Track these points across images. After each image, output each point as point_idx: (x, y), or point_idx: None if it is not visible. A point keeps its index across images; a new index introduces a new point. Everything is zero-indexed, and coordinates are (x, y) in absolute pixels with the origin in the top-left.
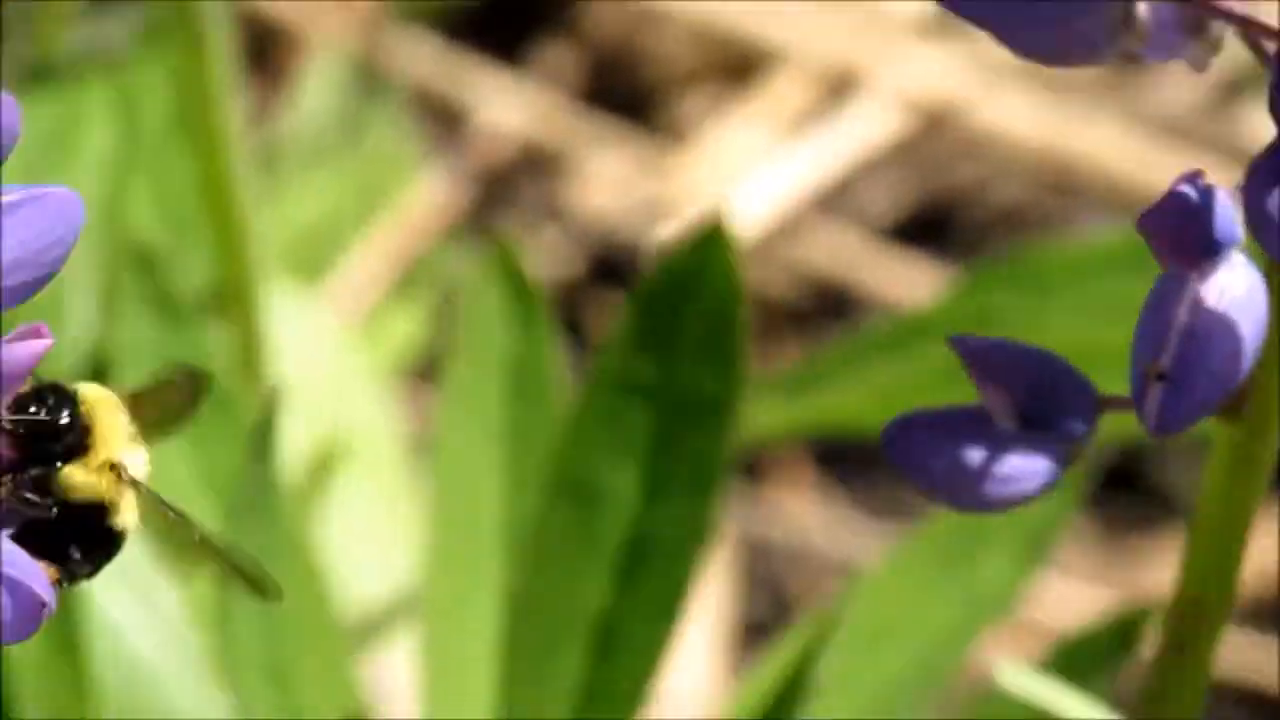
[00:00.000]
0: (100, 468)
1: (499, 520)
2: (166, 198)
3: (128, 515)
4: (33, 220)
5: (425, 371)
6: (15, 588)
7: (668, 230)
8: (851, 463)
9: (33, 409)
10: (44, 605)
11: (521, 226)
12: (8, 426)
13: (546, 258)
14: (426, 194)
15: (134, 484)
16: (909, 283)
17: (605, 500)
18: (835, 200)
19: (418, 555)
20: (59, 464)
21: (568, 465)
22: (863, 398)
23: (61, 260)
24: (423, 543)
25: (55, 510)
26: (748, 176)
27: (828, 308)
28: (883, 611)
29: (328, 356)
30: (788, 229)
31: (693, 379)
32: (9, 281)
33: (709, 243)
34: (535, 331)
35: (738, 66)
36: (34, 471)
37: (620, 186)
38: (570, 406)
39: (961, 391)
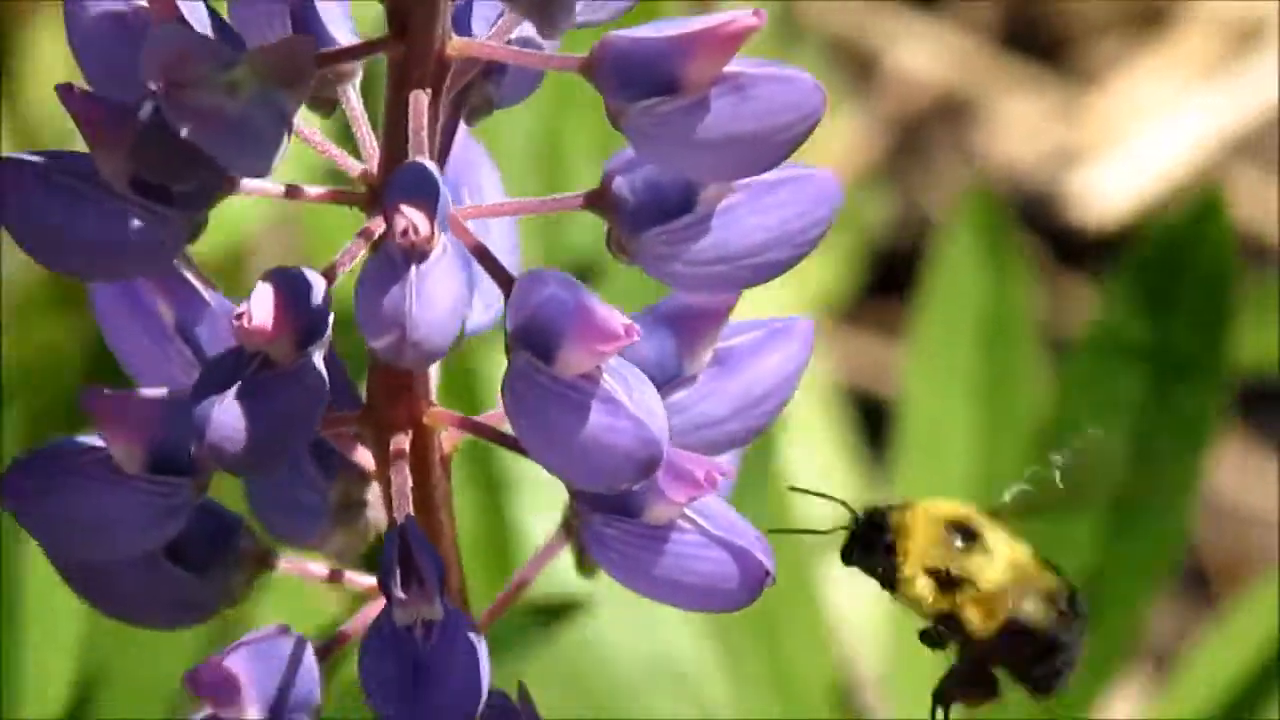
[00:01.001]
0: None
1: (968, 474)
2: None
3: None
4: (796, 199)
5: (846, 316)
6: (741, 555)
7: (1079, 177)
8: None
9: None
10: (767, 573)
11: (935, 172)
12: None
13: (955, 199)
14: (841, 139)
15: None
16: None
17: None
18: (1247, 148)
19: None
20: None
21: (1055, 420)
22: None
23: (817, 241)
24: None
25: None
26: (1159, 123)
27: (1244, 255)
28: None
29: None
30: (1200, 177)
31: (1187, 343)
32: (764, 259)
33: (1205, 210)
34: (1011, 283)
35: (1149, 15)
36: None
37: (1032, 133)
38: (1052, 350)
39: None
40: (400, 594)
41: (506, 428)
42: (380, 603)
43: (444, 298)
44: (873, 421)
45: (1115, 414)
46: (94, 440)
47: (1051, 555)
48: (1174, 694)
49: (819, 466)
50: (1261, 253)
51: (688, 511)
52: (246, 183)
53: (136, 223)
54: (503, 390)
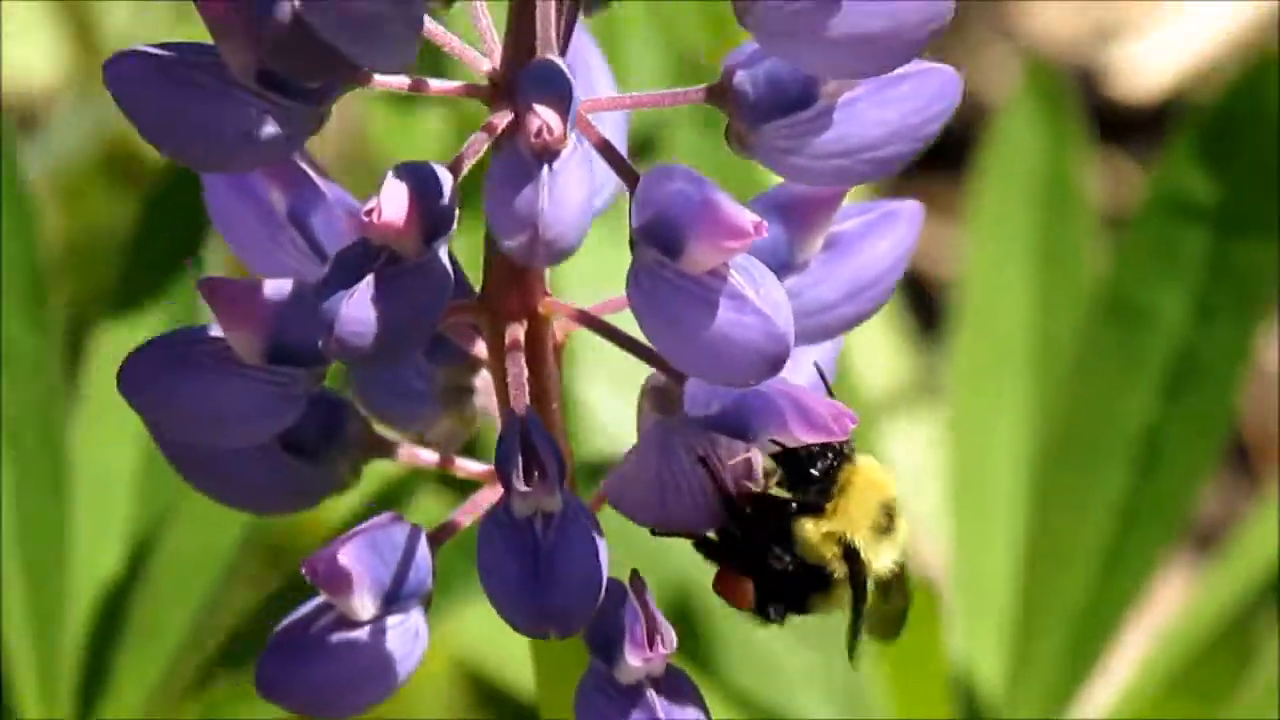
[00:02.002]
0: (828, 536)
1: (1028, 336)
2: None
3: (836, 591)
4: (916, 93)
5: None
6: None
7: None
8: None
9: (806, 451)
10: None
11: (976, 51)
12: (774, 448)
13: (995, 77)
14: None
15: (854, 566)
16: None
17: (1151, 319)
18: None
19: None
20: (795, 508)
21: (1112, 283)
22: None
23: (935, 135)
24: (949, 353)
25: (774, 544)
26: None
27: None
28: None
29: None
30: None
31: (1250, 202)
32: (884, 153)
33: (1263, 69)
34: (1068, 148)
35: None
36: (775, 497)
37: (1072, 9)
38: (1104, 220)
39: None
40: (521, 485)
41: (619, 319)
42: (490, 491)
43: (575, 196)
44: (924, 301)
45: (1174, 275)
46: (212, 329)
47: (1108, 414)
48: (1219, 571)
49: (874, 341)
50: None
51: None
52: (376, 77)
53: (262, 116)
54: (628, 286)
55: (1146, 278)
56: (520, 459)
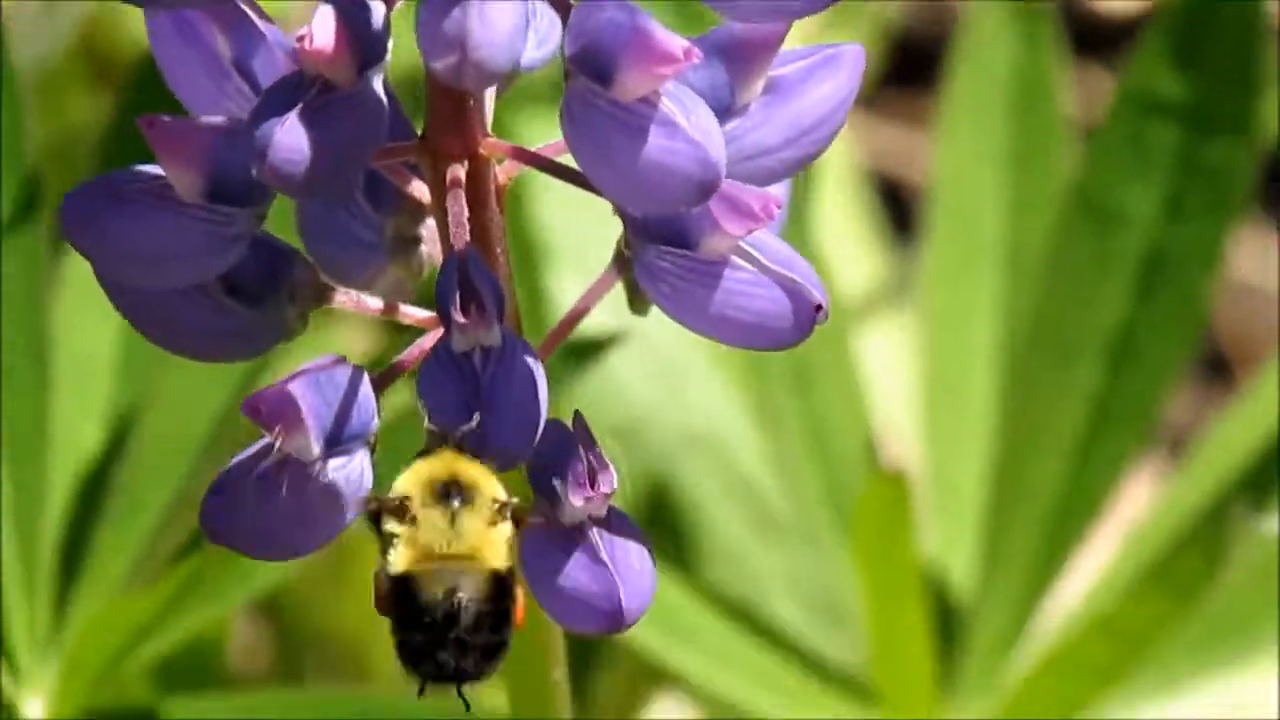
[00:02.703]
0: None
1: (1000, 236)
2: None
3: None
4: None
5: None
6: (795, 291)
7: None
8: None
9: None
10: (819, 309)
11: None
12: None
13: None
14: None
15: None
16: None
17: (1123, 218)
18: None
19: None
20: None
21: (1084, 183)
22: None
23: None
24: (922, 254)
25: None
26: None
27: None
28: None
29: None
30: None
31: (1219, 99)
32: None
33: None
34: (1040, 50)
35: None
36: None
37: None
38: (1079, 129)
39: None
40: (460, 318)
41: (561, 159)
42: (434, 334)
43: (504, 17)
44: (897, 208)
45: (1145, 174)
46: (153, 169)
47: (1081, 312)
48: (1188, 474)
49: (847, 244)
50: None
51: (743, 245)
52: None
53: None
54: (561, 115)
55: (1118, 177)
56: (458, 292)
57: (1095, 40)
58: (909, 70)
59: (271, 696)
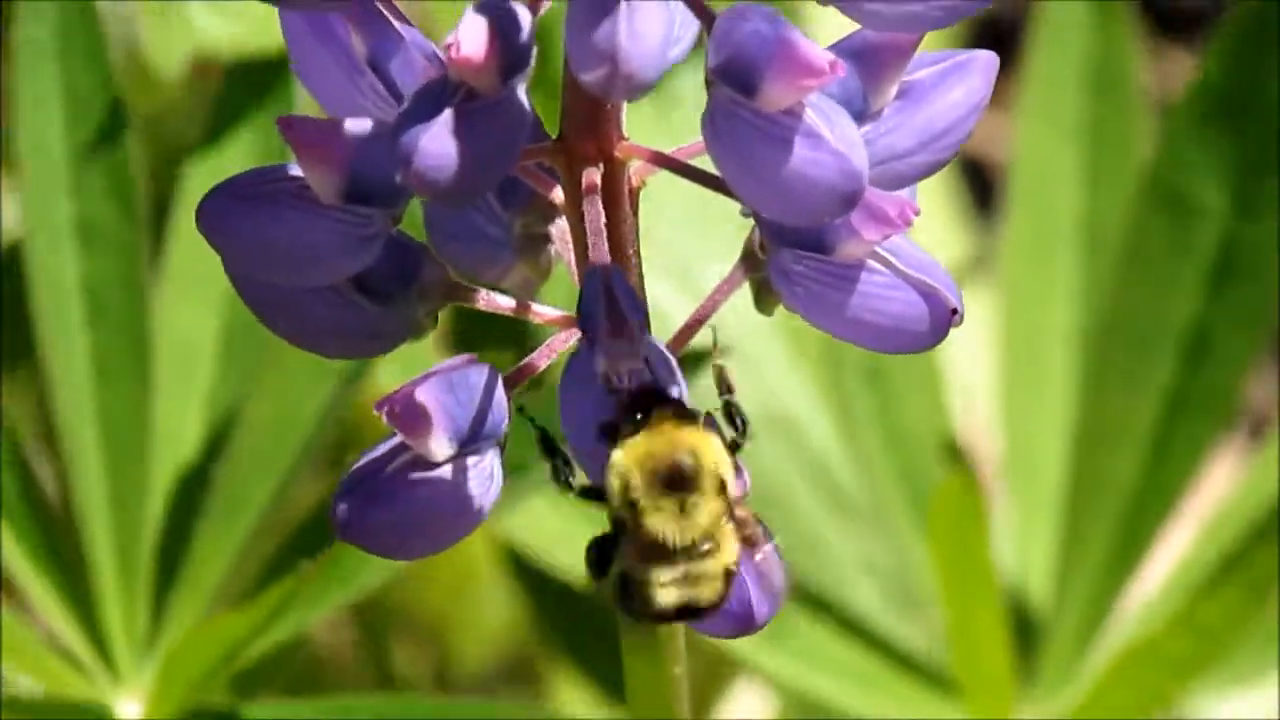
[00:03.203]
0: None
1: (1078, 215)
2: None
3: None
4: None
5: None
6: (931, 295)
7: None
8: None
9: None
10: (955, 313)
11: None
12: None
13: None
14: None
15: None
16: None
17: (1197, 210)
18: None
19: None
20: None
21: (1159, 173)
22: None
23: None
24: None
25: None
26: None
27: None
28: None
29: None
30: None
31: None
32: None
33: None
34: (1116, 31)
35: None
36: None
37: None
38: (1157, 112)
39: None
40: (606, 341)
41: (698, 161)
42: (566, 335)
43: (654, 30)
44: (979, 186)
45: (1218, 167)
46: (291, 168)
47: (1157, 302)
48: (1264, 461)
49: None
50: None
51: (879, 250)
52: None
53: None
54: (703, 125)
55: (1191, 168)
56: (605, 314)
57: (1175, 23)
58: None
59: (360, 700)
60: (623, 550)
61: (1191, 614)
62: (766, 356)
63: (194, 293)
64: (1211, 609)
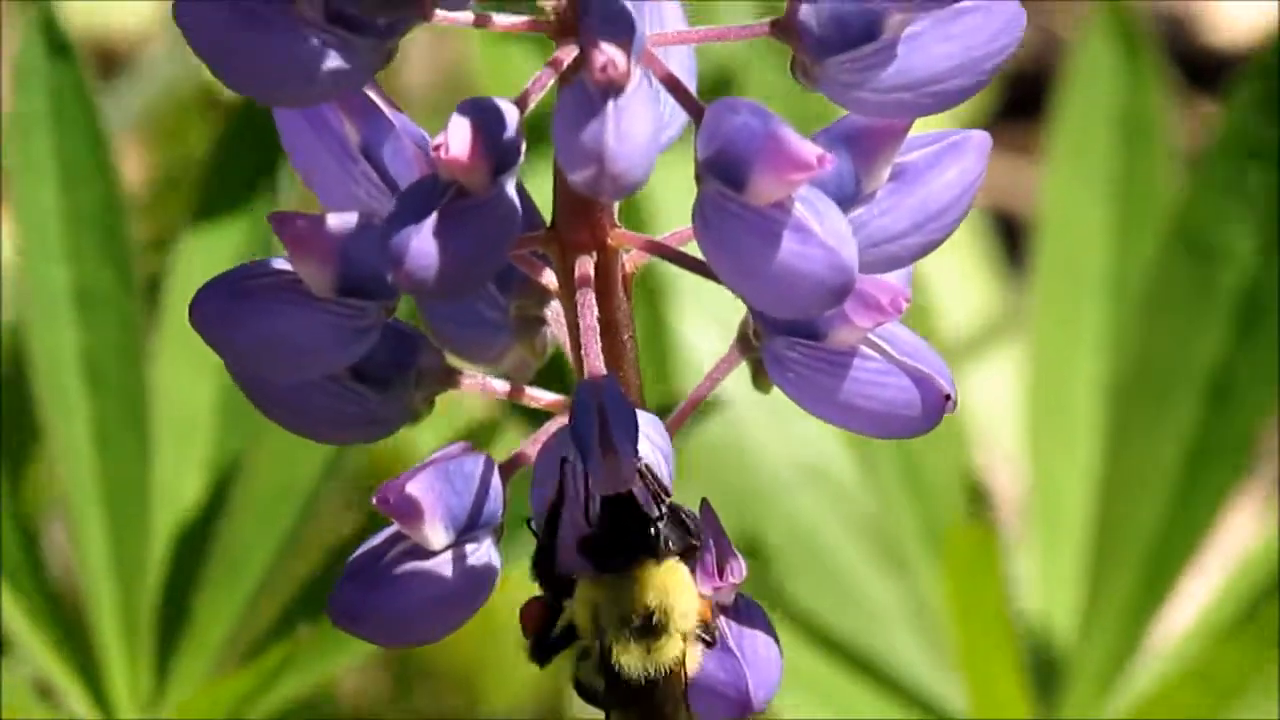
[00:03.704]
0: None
1: (1106, 267)
2: None
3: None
4: (980, 28)
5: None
6: (924, 381)
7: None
8: None
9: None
10: (948, 399)
11: None
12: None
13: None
14: None
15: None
16: None
17: (1222, 256)
18: None
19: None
20: None
21: (1185, 220)
22: None
23: (999, 68)
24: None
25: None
26: None
27: None
28: None
29: None
30: None
31: None
32: (947, 86)
33: None
34: (1146, 85)
35: None
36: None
37: None
38: (1186, 162)
39: None
40: (598, 463)
41: (687, 248)
42: (560, 420)
43: (641, 130)
44: (1008, 238)
45: (1243, 213)
46: (281, 262)
47: (1181, 348)
48: None
49: (960, 277)
50: None
51: (871, 336)
52: (440, 13)
53: (329, 51)
54: (694, 217)
55: (1217, 215)
56: (596, 436)
57: (1204, 72)
58: (1020, 102)
59: None
60: (583, 667)
61: (1205, 667)
62: (792, 405)
63: (191, 352)
64: (1225, 662)
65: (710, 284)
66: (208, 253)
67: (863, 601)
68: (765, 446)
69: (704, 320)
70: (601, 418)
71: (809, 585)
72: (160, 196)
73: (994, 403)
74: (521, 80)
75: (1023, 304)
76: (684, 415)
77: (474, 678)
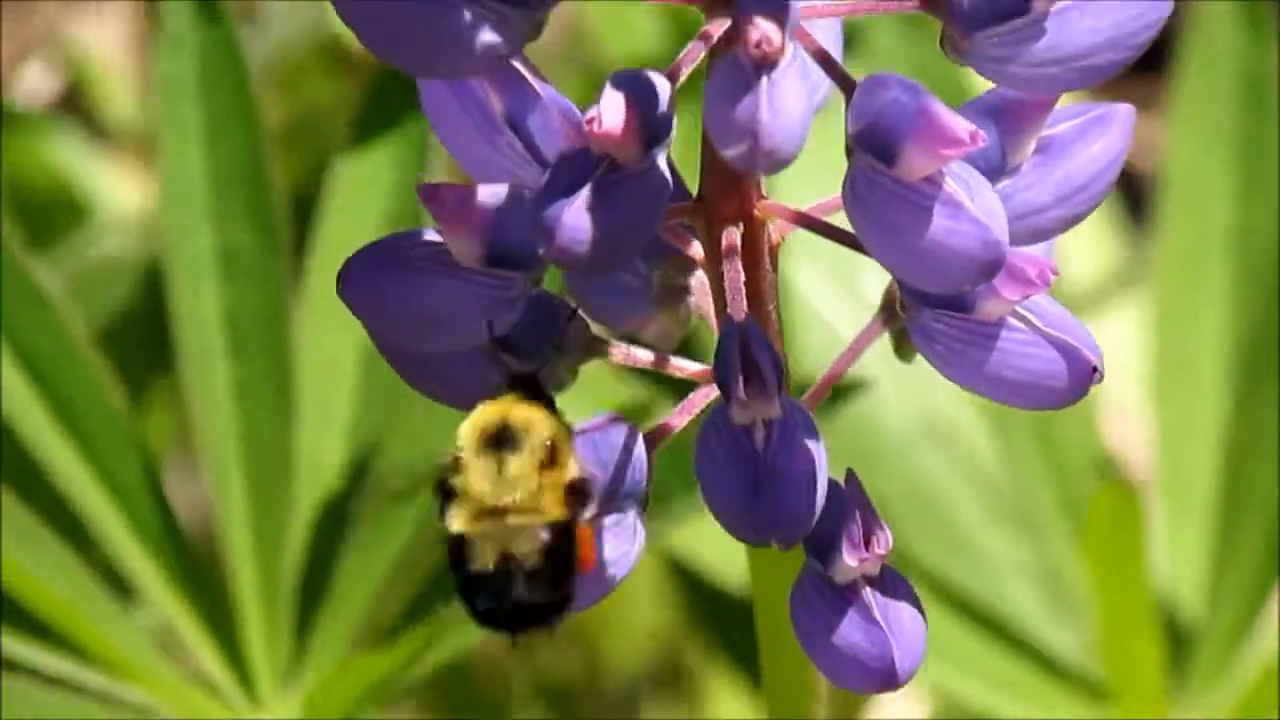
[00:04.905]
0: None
1: (1230, 224)
2: None
3: None
4: (1129, 2)
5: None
6: (1071, 353)
7: None
8: None
9: None
10: (1095, 370)
11: None
12: None
13: None
14: None
15: None
16: None
17: None
18: None
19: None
20: None
21: None
22: None
23: (1148, 43)
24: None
25: None
26: None
27: None
28: None
29: None
30: None
31: None
32: (1096, 60)
33: None
34: (1266, 39)
35: None
36: None
37: None
38: None
39: None
40: (742, 395)
41: (835, 219)
42: (705, 391)
43: (794, 105)
44: (1129, 195)
45: None
46: (431, 234)
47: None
48: None
49: (1085, 236)
50: None
51: (1019, 308)
52: None
53: (484, 25)
54: (844, 192)
55: None
56: (740, 369)
57: None
58: (1144, 58)
59: None
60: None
61: None
62: (916, 366)
63: (335, 316)
64: None
65: (828, 243)
66: (355, 214)
67: (980, 558)
68: (889, 405)
69: (821, 278)
70: (745, 350)
71: (934, 546)
72: (291, 145)
73: (1116, 362)
74: (641, 42)
75: (1145, 261)
76: (822, 391)
77: (597, 634)
